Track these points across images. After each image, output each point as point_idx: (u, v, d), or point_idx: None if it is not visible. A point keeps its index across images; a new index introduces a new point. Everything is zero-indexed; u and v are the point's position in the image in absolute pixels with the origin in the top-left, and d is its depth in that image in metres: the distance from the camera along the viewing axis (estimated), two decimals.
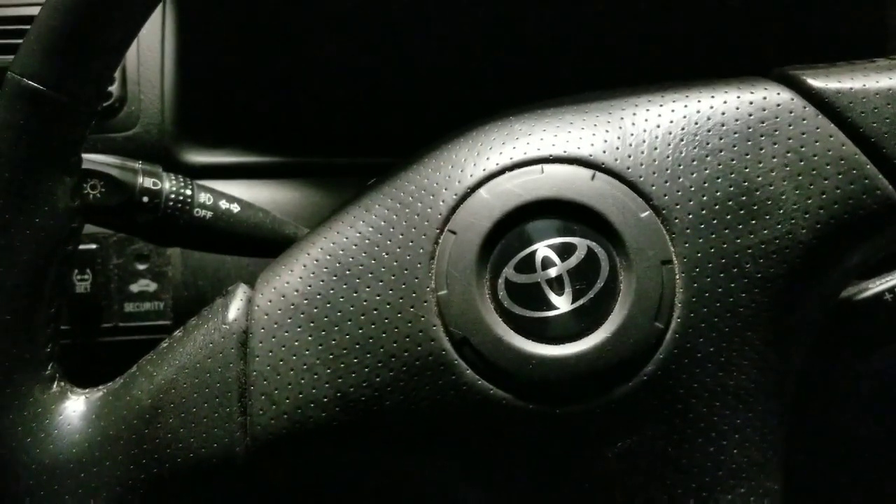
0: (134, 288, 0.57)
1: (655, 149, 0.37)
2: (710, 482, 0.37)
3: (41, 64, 0.36)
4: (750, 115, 0.38)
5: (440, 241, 0.37)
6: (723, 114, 0.38)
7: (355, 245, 0.38)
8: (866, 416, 0.57)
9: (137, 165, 0.45)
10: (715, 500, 0.37)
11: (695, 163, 0.37)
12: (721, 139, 0.37)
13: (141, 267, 0.57)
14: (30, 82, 0.36)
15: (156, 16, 0.59)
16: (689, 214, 0.37)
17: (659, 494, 0.36)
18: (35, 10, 0.36)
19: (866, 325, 0.44)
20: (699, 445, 0.36)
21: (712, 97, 0.38)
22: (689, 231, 0.36)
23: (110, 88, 0.57)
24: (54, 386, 0.39)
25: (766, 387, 0.37)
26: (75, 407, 0.39)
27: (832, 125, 0.37)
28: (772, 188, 0.37)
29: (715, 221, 0.37)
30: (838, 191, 0.37)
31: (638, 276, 0.36)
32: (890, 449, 0.61)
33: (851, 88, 0.37)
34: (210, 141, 0.60)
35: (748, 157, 0.37)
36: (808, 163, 0.37)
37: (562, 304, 0.36)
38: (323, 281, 0.38)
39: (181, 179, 0.46)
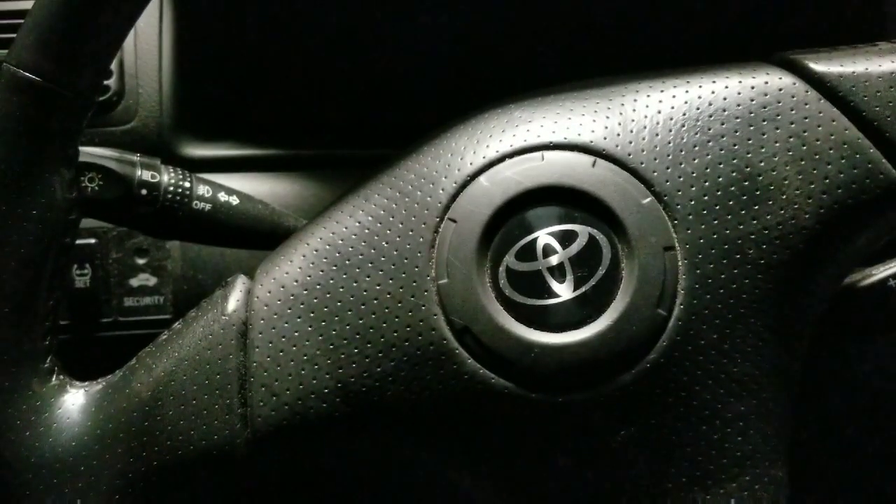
0: (133, 282, 0.57)
1: (657, 135, 0.37)
2: (715, 470, 0.36)
3: (37, 55, 0.36)
4: (752, 100, 0.37)
5: (440, 229, 0.37)
6: (724, 99, 0.37)
7: (355, 235, 0.38)
8: (869, 402, 0.56)
9: (136, 158, 0.45)
10: (719, 487, 0.36)
11: (696, 148, 0.37)
12: (723, 124, 0.37)
13: (140, 261, 0.57)
14: (26, 73, 0.36)
15: (153, 9, 0.59)
16: (691, 200, 0.36)
17: (663, 482, 0.36)
18: (29, 3, 0.36)
19: (870, 311, 0.44)
20: (703, 433, 0.36)
21: (713, 82, 0.38)
22: (691, 217, 0.36)
23: (108, 82, 0.56)
24: (53, 379, 0.39)
25: (769, 374, 0.37)
26: (74, 400, 0.39)
27: (835, 109, 0.37)
28: (774, 173, 0.36)
29: (717, 207, 0.36)
30: (841, 175, 0.36)
31: (640, 263, 0.36)
32: (892, 436, 0.61)
33: (854, 72, 0.37)
34: (208, 134, 0.60)
35: (750, 142, 0.37)
36: (810, 147, 0.37)
37: (563, 291, 0.36)
38: (323, 271, 0.38)
39: (179, 172, 0.46)
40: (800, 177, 0.36)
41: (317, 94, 0.64)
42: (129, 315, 0.57)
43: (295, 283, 0.38)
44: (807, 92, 0.37)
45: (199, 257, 0.57)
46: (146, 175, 0.45)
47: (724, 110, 0.37)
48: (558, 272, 0.36)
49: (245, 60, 0.63)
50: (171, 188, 0.45)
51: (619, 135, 0.37)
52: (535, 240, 0.36)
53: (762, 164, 0.37)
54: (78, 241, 0.54)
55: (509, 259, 0.36)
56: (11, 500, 0.38)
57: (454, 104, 0.42)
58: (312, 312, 0.37)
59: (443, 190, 0.37)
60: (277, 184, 0.59)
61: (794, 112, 0.37)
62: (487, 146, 0.38)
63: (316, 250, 0.38)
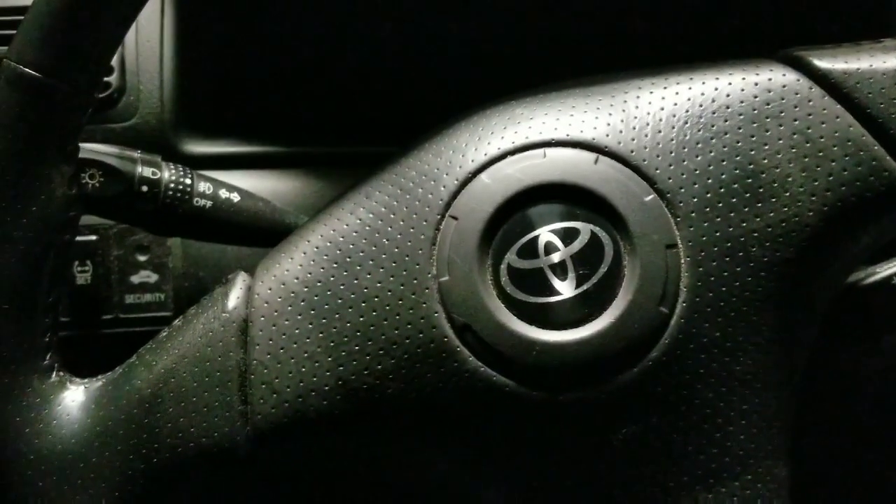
0: (134, 279, 0.57)
1: (659, 132, 0.37)
2: (717, 469, 0.36)
3: (37, 51, 0.36)
4: (755, 96, 0.37)
5: (441, 226, 0.37)
6: (728, 96, 0.37)
7: (355, 232, 0.38)
8: (873, 401, 0.56)
9: (136, 154, 0.45)
10: (721, 486, 0.36)
11: (700, 145, 0.37)
12: (726, 121, 0.37)
13: (141, 258, 0.57)
14: (26, 69, 0.36)
15: (154, 5, 0.59)
16: (693, 198, 0.36)
17: (665, 481, 0.36)
18: (29, 0, 0.36)
19: (874, 310, 0.44)
20: (705, 432, 0.36)
21: (717, 79, 0.38)
22: (694, 215, 0.36)
23: (109, 79, 0.56)
24: (53, 376, 0.39)
25: (772, 372, 0.37)
26: (74, 397, 0.38)
27: (839, 106, 0.37)
28: (778, 170, 0.36)
29: (720, 205, 0.36)
30: (845, 172, 0.36)
31: (642, 260, 0.36)
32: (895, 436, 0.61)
33: (858, 69, 0.37)
34: (210, 131, 0.60)
35: (754, 139, 0.37)
36: (814, 144, 0.36)
37: (565, 289, 0.36)
38: (323, 268, 0.37)
39: (180, 169, 0.46)
40: (803, 174, 0.36)
41: (318, 90, 0.64)
42: (130, 312, 0.57)
43: (295, 281, 0.38)
44: (811, 89, 0.37)
45: (199, 254, 0.57)
46: (147, 172, 0.45)
47: (728, 107, 0.37)
48: (560, 270, 0.36)
49: (246, 57, 0.63)
50: (172, 185, 0.45)
51: (621, 132, 0.37)
52: (536, 237, 0.36)
53: (766, 161, 0.36)
54: (79, 238, 0.54)
55: (511, 256, 0.36)
56: (11, 496, 0.38)
57: (456, 101, 0.42)
58: (313, 310, 0.37)
59: (444, 187, 0.37)
60: (278, 181, 0.59)
61: (798, 109, 0.37)
62: (489, 143, 0.38)
63: (317, 247, 0.38)
